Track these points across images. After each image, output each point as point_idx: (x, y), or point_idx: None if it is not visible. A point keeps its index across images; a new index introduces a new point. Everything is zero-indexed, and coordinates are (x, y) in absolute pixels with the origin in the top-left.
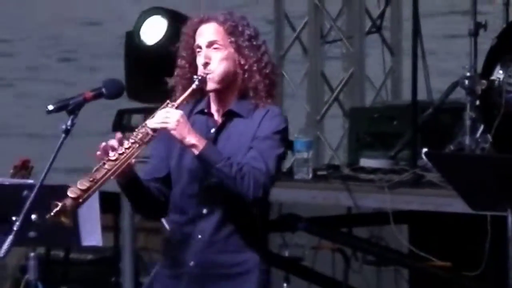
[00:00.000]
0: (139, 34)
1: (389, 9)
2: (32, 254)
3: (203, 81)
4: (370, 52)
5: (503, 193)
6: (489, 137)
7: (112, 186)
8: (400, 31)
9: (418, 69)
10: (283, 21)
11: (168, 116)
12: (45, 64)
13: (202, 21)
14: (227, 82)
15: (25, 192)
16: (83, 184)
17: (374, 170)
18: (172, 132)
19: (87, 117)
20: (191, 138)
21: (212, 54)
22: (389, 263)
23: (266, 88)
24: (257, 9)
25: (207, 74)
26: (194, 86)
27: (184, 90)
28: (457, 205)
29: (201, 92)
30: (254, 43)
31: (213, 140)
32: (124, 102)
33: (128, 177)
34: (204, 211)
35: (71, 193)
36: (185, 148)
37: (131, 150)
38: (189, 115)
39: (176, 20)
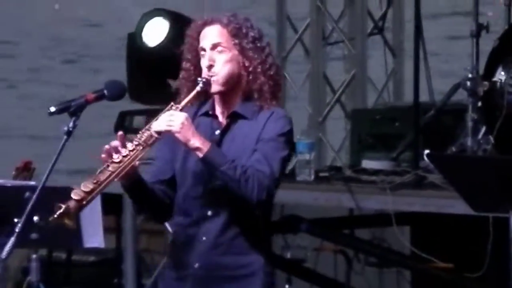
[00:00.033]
0: (141, 35)
1: (391, 10)
2: (34, 256)
3: (208, 83)
4: (372, 54)
5: (505, 194)
6: (491, 138)
7: (114, 187)
8: (402, 32)
9: (420, 71)
10: (285, 23)
11: (172, 119)
12: (47, 65)
13: (206, 24)
14: (232, 84)
15: (27, 194)
16: (86, 186)
17: (376, 172)
18: (176, 135)
19: (89, 119)
20: (195, 141)
21: (216, 57)
22: (391, 264)
23: (271, 89)
24: (259, 11)
25: (211, 76)
26: (198, 88)
27: (189, 92)
28: (459, 207)
29: (205, 94)
30: (258, 44)
31: (218, 142)
32: (126, 104)
33: (132, 179)
34: (209, 213)
35: (74, 195)
36: (190, 150)
37: (135, 152)
38: (193, 117)
39: (178, 22)
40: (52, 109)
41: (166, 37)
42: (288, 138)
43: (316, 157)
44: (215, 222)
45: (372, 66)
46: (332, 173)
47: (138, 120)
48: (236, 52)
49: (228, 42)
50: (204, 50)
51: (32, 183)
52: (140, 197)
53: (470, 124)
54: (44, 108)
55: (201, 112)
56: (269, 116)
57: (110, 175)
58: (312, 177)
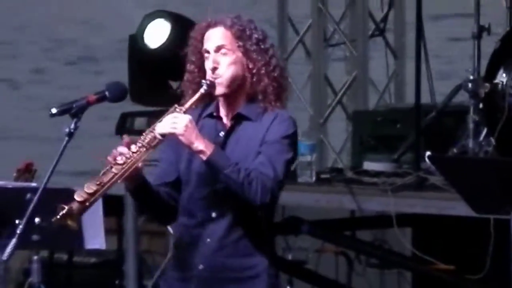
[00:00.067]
0: (142, 37)
1: (392, 12)
2: (35, 257)
3: (212, 85)
4: (373, 55)
5: (506, 196)
6: (492, 140)
7: (115, 189)
8: (403, 34)
9: (421, 72)
10: (286, 24)
11: (176, 121)
12: (48, 67)
13: (210, 26)
14: (236, 86)
15: (28, 195)
16: (90, 187)
17: (377, 173)
18: (180, 137)
19: (91, 120)
20: (199, 144)
21: (220, 59)
22: (393, 266)
23: (275, 91)
24: (260, 12)
25: (215, 78)
26: (202, 90)
27: (194, 94)
28: (460, 208)
29: (210, 96)
30: (262, 46)
31: (222, 143)
32: (128, 105)
33: (136, 181)
34: (213, 214)
35: (77, 197)
36: (193, 153)
37: (138, 154)
38: (198, 118)
39: (180, 24)
40: (54, 110)
41: (167, 39)
42: (292, 140)
43: (317, 159)
44: (220, 223)
45: (373, 68)
46: (333, 175)
47: (139, 121)
48: (240, 54)
49: (232, 44)
50: (208, 52)
51: (34, 184)
52: (145, 199)
53: (471, 126)
54: (45, 110)
55: (206, 114)
56: (274, 118)
57: (113, 176)
58: (313, 178)
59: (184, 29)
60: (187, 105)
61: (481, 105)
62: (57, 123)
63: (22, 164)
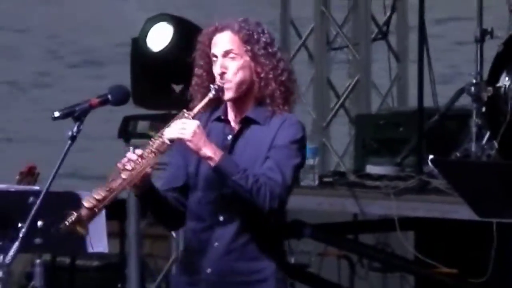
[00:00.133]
0: (145, 40)
1: (395, 15)
2: (38, 261)
3: (220, 90)
4: (376, 59)
5: (509, 200)
6: (495, 144)
7: None
8: (406, 37)
9: (424, 76)
10: (289, 27)
11: (184, 127)
12: (51, 70)
13: (217, 30)
14: (244, 90)
15: (31, 199)
16: (98, 193)
17: (380, 177)
18: (188, 143)
19: (93, 123)
20: (207, 150)
21: (229, 64)
22: (395, 269)
23: (283, 95)
24: (263, 15)
25: (223, 83)
26: (210, 95)
27: (203, 98)
28: (463, 212)
29: (218, 101)
30: (270, 50)
31: (230, 147)
32: (130, 109)
33: (144, 187)
34: (221, 218)
35: (86, 203)
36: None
37: (147, 160)
38: (206, 122)
39: (182, 27)
40: (56, 113)
41: (170, 42)
42: (300, 145)
43: (320, 162)
44: (228, 227)
45: (376, 71)
46: (336, 178)
47: (142, 125)
48: (248, 58)
49: (239, 48)
50: (216, 57)
51: (36, 188)
52: (153, 205)
53: (474, 129)
54: (48, 113)
55: (214, 117)
56: (282, 123)
57: (122, 182)
58: (316, 182)
59: (186, 33)
60: (196, 110)
61: (483, 109)
62: (60, 126)
63: (25, 167)
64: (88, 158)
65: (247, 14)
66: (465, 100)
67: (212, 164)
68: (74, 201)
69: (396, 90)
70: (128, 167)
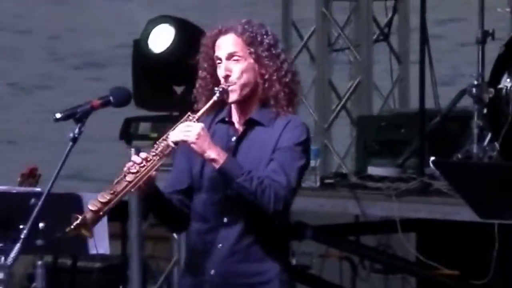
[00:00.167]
0: (146, 42)
1: (396, 17)
2: (39, 262)
3: (225, 93)
4: (377, 60)
5: (510, 201)
6: (497, 145)
7: None
8: (407, 39)
9: (425, 77)
10: (291, 29)
11: (189, 130)
12: (53, 71)
13: (221, 33)
14: (248, 92)
15: (32, 200)
16: (103, 197)
17: (381, 178)
18: (192, 145)
19: (95, 125)
20: (211, 153)
21: (233, 66)
22: (397, 271)
23: (287, 96)
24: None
25: (228, 86)
26: (215, 98)
27: (207, 101)
28: (464, 214)
29: (222, 103)
30: (274, 51)
31: (234, 148)
32: (132, 110)
33: (149, 190)
34: (225, 220)
35: (91, 206)
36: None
37: (151, 163)
38: (210, 124)
39: (184, 29)
40: (58, 115)
41: (171, 44)
42: (305, 147)
43: (322, 164)
44: (232, 229)
45: (377, 73)
46: (338, 180)
47: (143, 126)
48: (251, 60)
49: (243, 50)
50: (220, 59)
51: (38, 189)
52: (158, 207)
53: (475, 131)
54: (49, 114)
55: (218, 119)
56: (286, 124)
57: (127, 185)
58: (318, 183)
59: (188, 34)
60: (200, 113)
61: (485, 110)
62: (61, 128)
63: (26, 169)
64: (89, 159)
65: (249, 15)
66: (466, 102)
67: (217, 166)
68: (75, 202)
69: (398, 91)
70: (133, 170)
